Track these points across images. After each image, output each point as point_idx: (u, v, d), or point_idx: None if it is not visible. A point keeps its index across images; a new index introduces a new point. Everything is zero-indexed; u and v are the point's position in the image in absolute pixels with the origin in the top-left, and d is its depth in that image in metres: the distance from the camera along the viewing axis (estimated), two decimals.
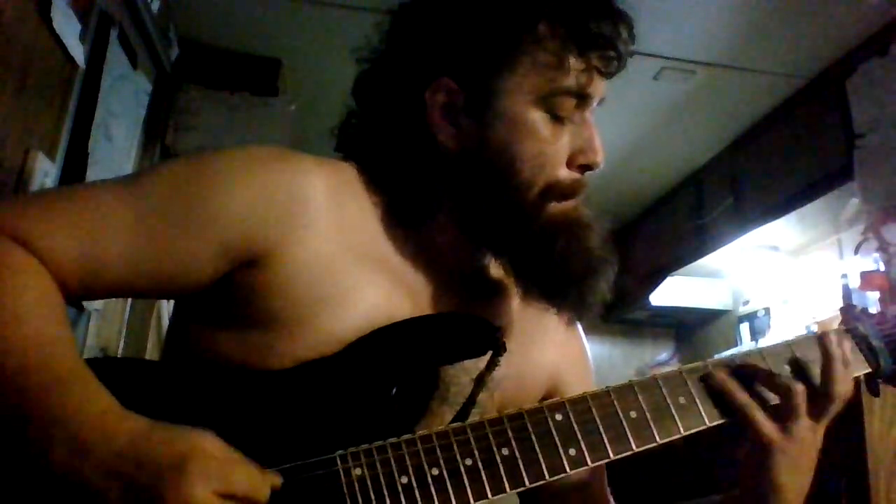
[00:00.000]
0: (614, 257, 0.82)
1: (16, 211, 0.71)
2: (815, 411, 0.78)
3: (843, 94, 2.55)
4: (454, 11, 0.79)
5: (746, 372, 0.81)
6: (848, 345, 0.83)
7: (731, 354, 0.85)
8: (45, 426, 0.59)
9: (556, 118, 0.78)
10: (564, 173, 0.80)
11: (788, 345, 0.86)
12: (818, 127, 2.73)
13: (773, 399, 0.80)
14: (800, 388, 0.78)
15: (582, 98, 0.79)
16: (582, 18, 0.77)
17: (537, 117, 0.78)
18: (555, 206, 0.79)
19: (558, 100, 0.78)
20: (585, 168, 0.81)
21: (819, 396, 0.79)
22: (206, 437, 0.61)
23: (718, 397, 0.80)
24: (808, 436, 0.78)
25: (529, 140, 0.78)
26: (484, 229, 0.81)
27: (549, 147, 0.78)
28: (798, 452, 0.78)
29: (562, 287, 0.80)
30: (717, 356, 0.86)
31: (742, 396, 0.79)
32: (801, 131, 2.84)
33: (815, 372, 0.80)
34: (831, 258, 2.96)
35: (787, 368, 0.82)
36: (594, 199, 0.83)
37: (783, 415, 0.78)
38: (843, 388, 0.79)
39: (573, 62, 0.77)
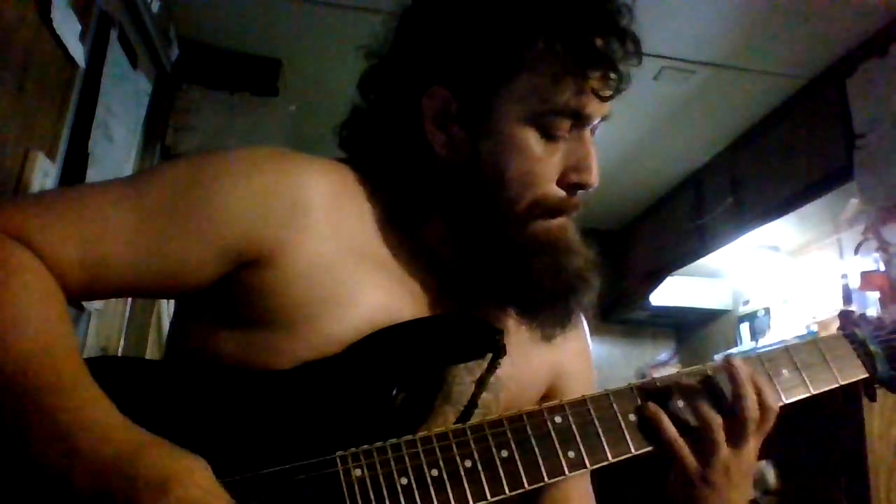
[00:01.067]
0: (596, 280, 0.80)
1: (18, 211, 0.71)
2: (734, 439, 0.77)
3: (843, 94, 2.55)
4: (454, 22, 0.78)
5: (673, 398, 0.79)
6: (748, 370, 0.80)
7: (719, 358, 0.84)
8: (40, 428, 0.59)
9: (550, 136, 0.77)
10: (554, 191, 0.78)
11: (705, 368, 0.83)
12: (818, 127, 2.73)
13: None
14: (717, 420, 0.77)
15: (578, 118, 0.77)
16: (581, 39, 0.75)
17: (529, 135, 0.76)
18: (540, 224, 0.78)
19: (552, 119, 0.76)
20: (578, 187, 0.79)
21: (735, 422, 0.77)
22: (198, 465, 0.60)
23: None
24: (733, 463, 0.77)
25: (519, 157, 0.76)
26: (469, 237, 0.81)
27: (538, 165, 0.77)
28: (723, 482, 0.77)
29: (534, 306, 0.79)
30: (716, 356, 0.85)
31: (669, 433, 0.77)
32: (801, 131, 2.84)
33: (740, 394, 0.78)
34: (831, 258, 2.97)
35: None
36: (594, 200, 0.83)
37: (703, 448, 0.77)
38: (753, 410, 0.77)
39: (570, 83, 0.75)
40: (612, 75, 0.76)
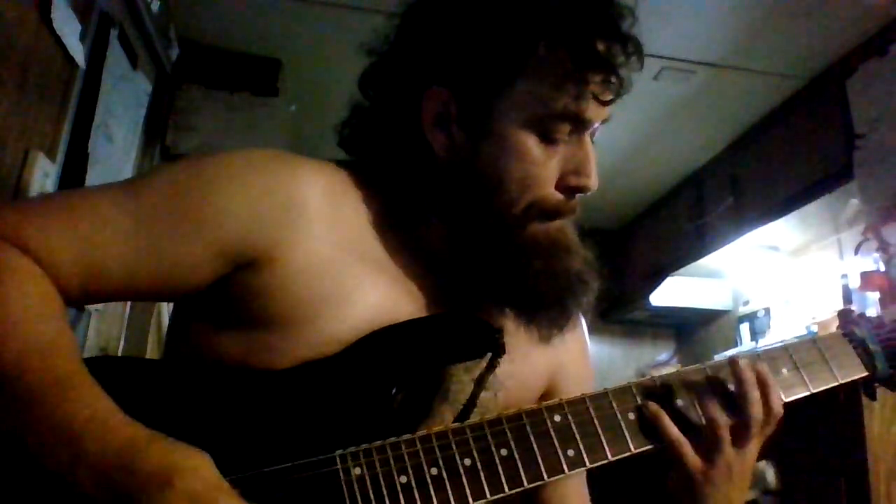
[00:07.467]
0: (594, 282, 0.81)
1: (15, 216, 0.71)
2: (738, 439, 0.78)
3: (843, 94, 2.55)
4: (456, 24, 0.78)
5: (677, 396, 0.80)
6: (753, 371, 0.80)
7: (712, 361, 0.84)
8: (43, 428, 0.59)
9: (549, 140, 0.77)
10: (552, 194, 0.78)
11: (705, 367, 0.83)
12: (818, 127, 2.73)
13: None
14: (723, 420, 0.77)
15: (577, 123, 0.77)
16: (582, 43, 0.74)
17: (528, 139, 0.76)
18: (538, 226, 0.78)
19: (552, 124, 0.76)
20: (576, 190, 0.79)
21: (740, 423, 0.78)
22: (201, 459, 0.60)
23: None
24: (735, 463, 0.77)
25: (517, 161, 0.76)
26: (468, 238, 0.81)
27: (536, 168, 0.77)
28: (725, 481, 0.77)
29: (531, 307, 0.80)
30: (716, 356, 0.86)
31: (672, 432, 0.77)
32: (801, 131, 2.84)
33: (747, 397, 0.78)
34: (831, 258, 2.97)
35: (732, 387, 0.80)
36: (594, 200, 0.83)
37: (707, 446, 0.77)
38: (758, 411, 0.78)
39: (570, 87, 0.74)
40: (613, 80, 0.76)
